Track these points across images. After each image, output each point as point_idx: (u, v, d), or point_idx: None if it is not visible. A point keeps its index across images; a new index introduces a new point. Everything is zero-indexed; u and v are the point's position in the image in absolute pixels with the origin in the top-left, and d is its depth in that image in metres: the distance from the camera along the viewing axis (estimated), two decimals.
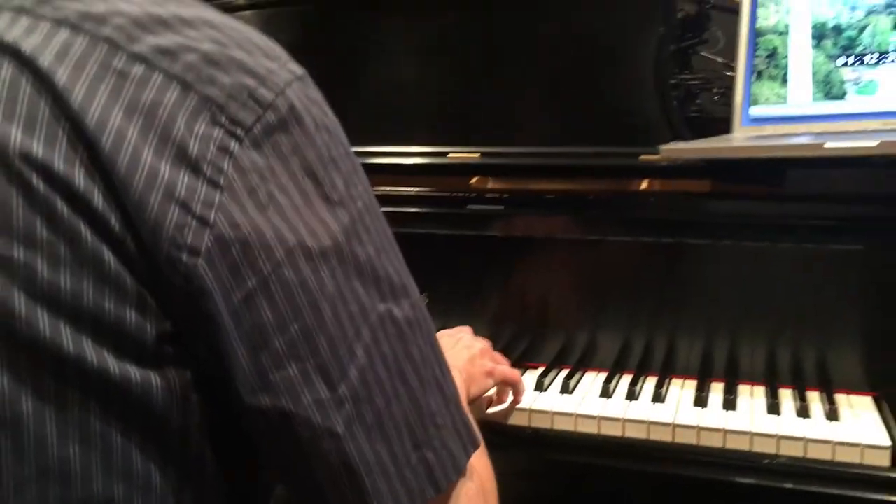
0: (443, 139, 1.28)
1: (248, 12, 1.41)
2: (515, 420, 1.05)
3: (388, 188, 1.23)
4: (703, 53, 2.03)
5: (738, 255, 1.06)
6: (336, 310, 0.47)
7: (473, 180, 1.24)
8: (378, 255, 0.50)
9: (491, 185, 1.24)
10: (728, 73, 1.98)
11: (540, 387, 1.09)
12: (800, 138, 1.09)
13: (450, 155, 1.26)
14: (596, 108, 1.25)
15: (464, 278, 1.21)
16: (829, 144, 0.97)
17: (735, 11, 1.73)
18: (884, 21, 1.16)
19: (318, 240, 0.47)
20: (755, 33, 1.25)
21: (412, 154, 1.28)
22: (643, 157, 1.15)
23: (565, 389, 1.08)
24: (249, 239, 0.45)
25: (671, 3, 1.21)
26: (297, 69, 0.49)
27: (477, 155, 1.24)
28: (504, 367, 1.04)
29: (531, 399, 1.07)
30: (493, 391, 1.05)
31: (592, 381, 1.12)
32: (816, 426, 0.95)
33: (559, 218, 1.16)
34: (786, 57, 1.22)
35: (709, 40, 2.00)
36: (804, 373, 1.05)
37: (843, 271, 1.02)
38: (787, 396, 1.02)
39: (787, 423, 0.96)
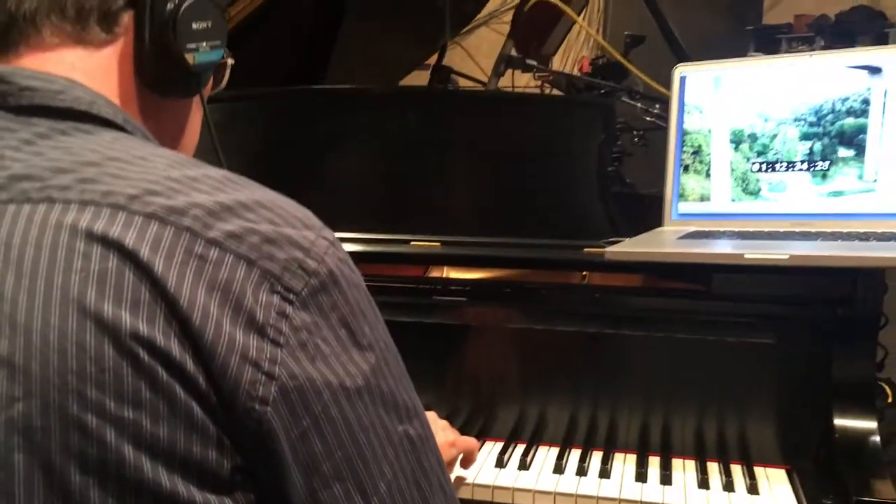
0: (398, 229, 1.40)
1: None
2: (479, 496, 1.19)
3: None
4: (623, 99, 2.21)
5: (669, 346, 1.22)
6: (369, 437, 0.60)
7: (430, 269, 1.37)
8: (396, 385, 0.63)
9: (447, 273, 1.37)
10: (646, 118, 2.16)
11: (500, 463, 1.23)
12: (723, 242, 1.25)
13: (412, 243, 1.39)
14: (540, 202, 1.39)
15: (424, 362, 1.33)
16: (749, 255, 1.13)
17: (659, 100, 1.90)
18: (792, 131, 1.33)
19: (354, 380, 0.59)
20: (683, 132, 1.40)
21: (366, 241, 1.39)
22: (587, 249, 1.30)
23: (523, 466, 1.22)
24: (304, 386, 0.56)
25: (611, 115, 1.36)
26: (329, 235, 0.61)
27: (437, 244, 1.37)
28: (465, 438, 1.17)
29: (493, 475, 1.20)
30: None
31: (545, 456, 1.26)
32: (740, 500, 1.11)
33: (512, 309, 1.30)
34: (709, 154, 1.39)
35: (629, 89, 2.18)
36: (728, 448, 1.22)
37: (758, 361, 1.19)
38: (714, 471, 1.18)
39: (716, 497, 1.12)
